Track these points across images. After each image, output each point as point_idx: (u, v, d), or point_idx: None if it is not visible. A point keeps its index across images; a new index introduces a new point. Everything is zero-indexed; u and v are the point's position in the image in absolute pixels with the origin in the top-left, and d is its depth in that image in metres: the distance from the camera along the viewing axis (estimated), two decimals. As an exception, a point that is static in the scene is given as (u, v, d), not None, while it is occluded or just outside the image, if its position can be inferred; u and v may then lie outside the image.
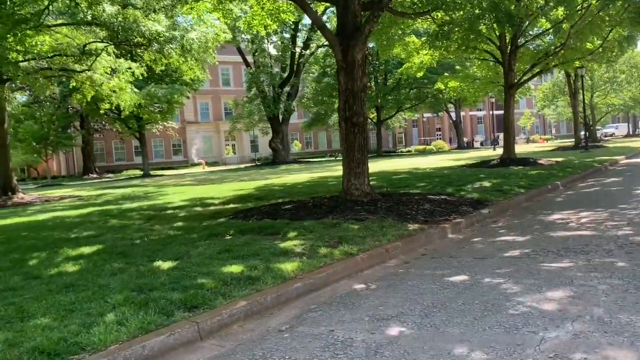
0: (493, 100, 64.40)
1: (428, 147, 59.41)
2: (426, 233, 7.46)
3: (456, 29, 17.25)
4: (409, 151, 58.05)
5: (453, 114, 57.68)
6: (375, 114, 50.05)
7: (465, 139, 64.46)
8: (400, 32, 19.78)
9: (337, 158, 52.10)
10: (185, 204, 13.23)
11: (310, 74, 45.85)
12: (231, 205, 11.82)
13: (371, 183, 15.63)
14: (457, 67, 34.22)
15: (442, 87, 25.86)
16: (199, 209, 11.74)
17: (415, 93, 48.73)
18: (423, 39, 19.68)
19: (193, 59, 20.20)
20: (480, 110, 73.42)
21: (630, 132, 73.80)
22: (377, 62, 45.61)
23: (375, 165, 27.98)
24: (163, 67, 21.79)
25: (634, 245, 5.92)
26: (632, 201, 9.43)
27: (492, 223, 8.54)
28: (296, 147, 61.22)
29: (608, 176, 15.25)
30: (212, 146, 59.72)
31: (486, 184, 12.83)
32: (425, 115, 67.77)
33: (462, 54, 19.52)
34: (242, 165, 45.24)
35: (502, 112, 68.81)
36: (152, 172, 40.85)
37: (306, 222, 8.01)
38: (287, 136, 44.74)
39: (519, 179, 13.69)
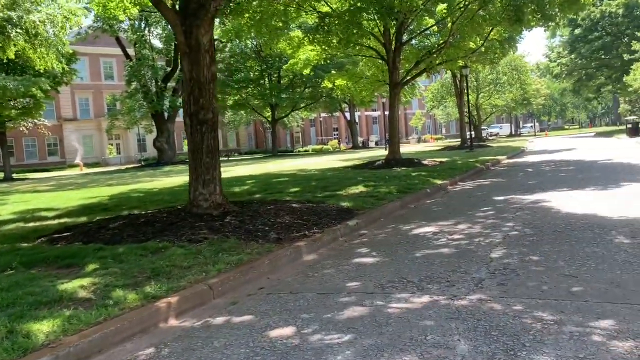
0: (385, 100, 65.39)
1: (325, 146, 59.08)
2: (273, 256, 6.02)
3: (336, 22, 16.16)
4: (306, 151, 57.30)
5: (348, 114, 57.65)
6: (270, 112, 48.65)
7: (361, 139, 64.90)
8: (281, 25, 18.39)
9: (231, 158, 49.95)
10: (11, 217, 10.90)
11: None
12: (62, 220, 9.73)
13: (246, 188, 14.16)
14: (349, 66, 33.69)
15: (330, 85, 24.87)
16: (17, 225, 9.53)
17: (310, 92, 47.89)
18: (298, 32, 18.44)
19: (43, 46, 17.45)
20: (375, 110, 74.43)
21: (513, 132, 78.39)
22: (269, 59, 44.15)
23: (264, 166, 26.49)
24: (13, 55, 18.76)
25: (508, 272, 4.85)
26: (509, 208, 8.65)
27: (357, 237, 7.30)
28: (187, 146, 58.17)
29: (489, 177, 14.85)
30: (94, 145, 55.11)
31: (362, 188, 11.73)
32: (323, 114, 67.46)
33: (344, 49, 18.51)
34: (124, 167, 41.82)
35: (395, 112, 69.39)
36: (16, 176, 36.43)
37: (122, 248, 6.28)
38: (174, 135, 41.97)
39: (399, 181, 12.78)
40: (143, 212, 9.00)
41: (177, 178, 21.02)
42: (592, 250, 5.40)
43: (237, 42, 42.37)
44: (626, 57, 46.32)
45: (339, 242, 7.09)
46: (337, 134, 73.93)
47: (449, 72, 37.50)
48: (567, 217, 7.34)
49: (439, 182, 12.82)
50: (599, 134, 47.94)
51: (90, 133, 55.08)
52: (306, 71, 22.96)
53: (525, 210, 8.22)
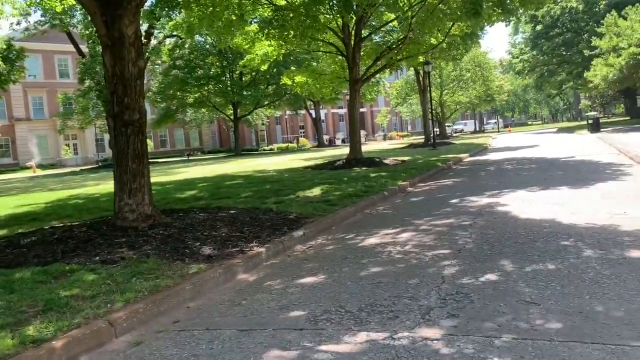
0: (352, 97, 64.76)
1: (291, 144, 58.19)
2: (199, 279, 5.21)
3: (291, 15, 15.37)
4: (271, 149, 56.30)
5: (314, 112, 56.84)
6: (232, 110, 47.51)
7: (327, 137, 64.25)
8: (235, 18, 17.47)
9: (192, 158, 48.64)
10: None
11: (156, 66, 41.92)
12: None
13: (193, 193, 13.20)
14: (312, 62, 32.88)
15: (289, 82, 24.04)
16: None
17: (274, 89, 46.88)
18: (254, 26, 17.55)
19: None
20: (342, 108, 73.88)
21: (477, 129, 79.05)
22: (230, 56, 42.98)
23: (222, 167, 25.49)
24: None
25: (461, 297, 4.17)
26: (467, 214, 8.03)
27: (303, 250, 6.56)
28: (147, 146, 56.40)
29: (449, 177, 14.31)
30: (49, 146, 52.86)
31: (317, 191, 11.01)
32: (288, 112, 66.52)
33: (300, 43, 17.74)
34: (79, 168, 40.11)
35: (362, 109, 69.71)
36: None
37: (22, 272, 5.37)
38: (132, 135, 40.35)
39: (357, 183, 12.09)
40: (62, 225, 8.04)
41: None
42: (557, 267, 4.78)
43: (198, 37, 41.21)
44: (586, 53, 46.82)
45: (281, 258, 6.33)
46: (303, 132, 73.10)
47: (412, 68, 37.10)
48: (529, 224, 6.74)
49: (397, 183, 12.19)
50: (561, 130, 48.44)
51: (45, 133, 52.83)
52: (264, 67, 22.11)
53: (485, 216, 7.61)
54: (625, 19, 41.40)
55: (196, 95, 44.37)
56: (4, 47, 21.02)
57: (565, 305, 3.81)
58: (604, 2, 50.53)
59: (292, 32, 15.92)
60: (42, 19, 31.34)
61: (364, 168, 16.53)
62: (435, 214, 8.23)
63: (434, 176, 14.64)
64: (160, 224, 7.18)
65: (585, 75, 46.90)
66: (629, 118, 55.71)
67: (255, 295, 4.88)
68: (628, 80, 41.35)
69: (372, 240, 6.67)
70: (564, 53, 53.69)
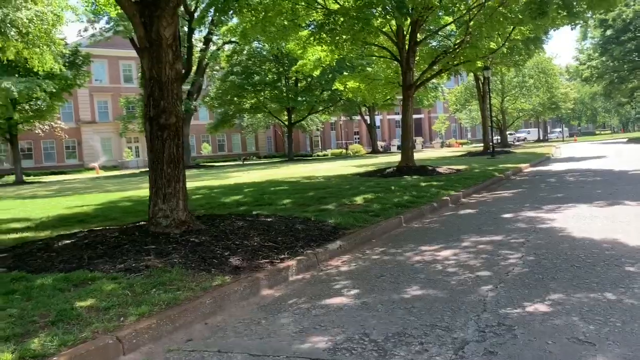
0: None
1: (345, 150, 57.86)
2: (220, 293, 4.92)
3: (342, 19, 15.03)
4: (324, 155, 56.21)
5: (368, 118, 56.28)
6: (287, 115, 47.74)
7: (382, 143, 63.49)
8: (287, 23, 17.34)
9: (247, 162, 49.18)
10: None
11: (214, 72, 42.71)
12: (24, 235, 8.81)
13: (238, 198, 13.05)
14: (368, 68, 32.46)
15: (341, 87, 23.70)
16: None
17: (329, 95, 46.75)
18: (306, 31, 17.31)
19: (38, 45, 16.75)
20: (398, 113, 72.84)
21: (541, 137, 75.97)
22: (286, 62, 43.18)
23: (273, 172, 25.47)
24: (13, 56, 18.14)
25: (502, 331, 3.64)
26: (521, 231, 7.37)
27: (336, 265, 6.16)
28: (205, 149, 57.63)
29: (506, 188, 13.49)
30: (112, 149, 54.91)
31: (361, 200, 10.57)
32: (343, 118, 66.26)
33: (352, 48, 17.34)
34: (139, 170, 41.33)
35: (419, 115, 68.55)
36: (32, 179, 36.25)
37: (44, 278, 5.26)
38: (189, 138, 41.34)
39: (405, 193, 11.56)
40: (98, 229, 7.98)
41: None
42: (618, 297, 4.15)
43: (256, 44, 41.63)
44: (661, 59, 43.96)
45: (312, 272, 5.95)
46: (358, 138, 72.60)
47: (472, 74, 35.97)
48: (588, 245, 6.05)
49: (449, 194, 11.55)
50: (631, 140, 45.64)
51: (109, 136, 54.93)
52: (316, 73, 21.85)
53: (539, 234, 6.94)
54: None
55: (252, 101, 44.87)
56: (69, 52, 21.82)
57: (627, 348, 3.23)
58: (682, 4, 47.32)
59: (343, 36, 15.57)
60: (107, 25, 32.53)
61: (415, 176, 15.92)
62: (485, 229, 7.62)
63: (489, 187, 13.87)
64: (194, 231, 6.97)
65: (659, 82, 43.96)
66: None
67: (276, 314, 4.53)
68: None
69: (413, 257, 6.18)
70: (636, 59, 50.62)
